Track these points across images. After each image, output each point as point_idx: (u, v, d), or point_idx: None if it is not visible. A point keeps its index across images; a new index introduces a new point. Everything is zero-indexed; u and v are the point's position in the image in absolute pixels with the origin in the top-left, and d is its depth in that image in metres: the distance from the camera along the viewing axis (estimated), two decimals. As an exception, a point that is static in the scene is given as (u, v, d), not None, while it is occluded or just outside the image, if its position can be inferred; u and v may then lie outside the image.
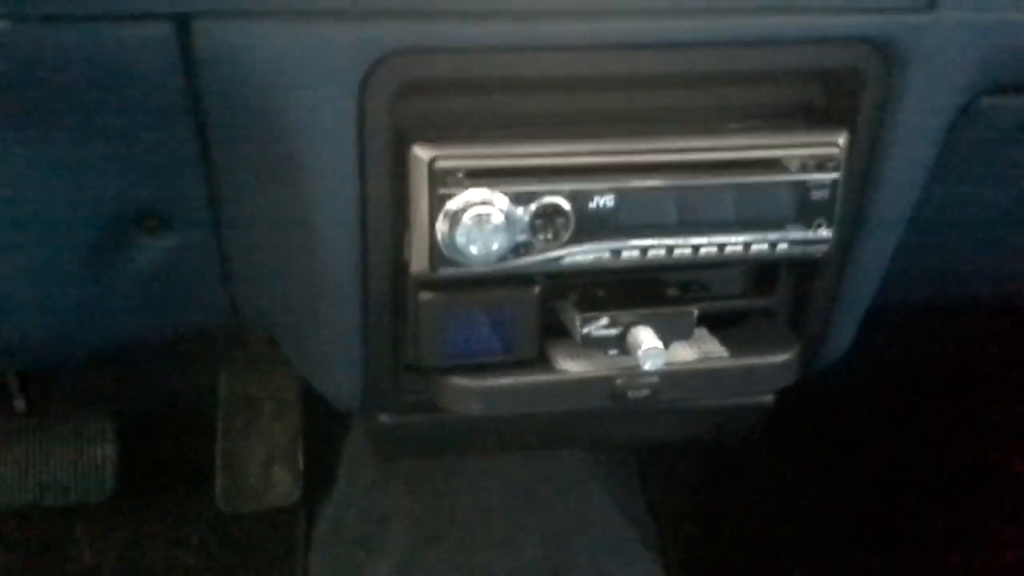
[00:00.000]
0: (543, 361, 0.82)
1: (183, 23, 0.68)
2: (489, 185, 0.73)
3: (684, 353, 0.84)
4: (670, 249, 0.77)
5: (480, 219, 0.73)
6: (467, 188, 0.73)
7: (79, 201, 0.81)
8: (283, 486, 1.54)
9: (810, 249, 0.80)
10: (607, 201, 0.75)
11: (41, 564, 1.51)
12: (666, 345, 0.79)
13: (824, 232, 0.80)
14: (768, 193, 0.77)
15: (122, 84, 0.70)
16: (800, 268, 0.88)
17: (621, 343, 0.80)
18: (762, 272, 0.89)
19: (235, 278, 0.89)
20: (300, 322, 0.87)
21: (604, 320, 0.80)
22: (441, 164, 0.72)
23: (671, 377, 0.82)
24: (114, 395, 1.61)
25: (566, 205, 0.74)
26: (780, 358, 0.86)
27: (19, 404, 1.58)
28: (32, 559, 1.51)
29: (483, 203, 0.73)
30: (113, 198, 0.82)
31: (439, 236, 0.74)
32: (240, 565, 1.52)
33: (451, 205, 0.73)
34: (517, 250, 0.75)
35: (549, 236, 0.75)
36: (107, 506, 1.53)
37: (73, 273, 0.85)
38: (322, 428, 1.55)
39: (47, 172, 0.78)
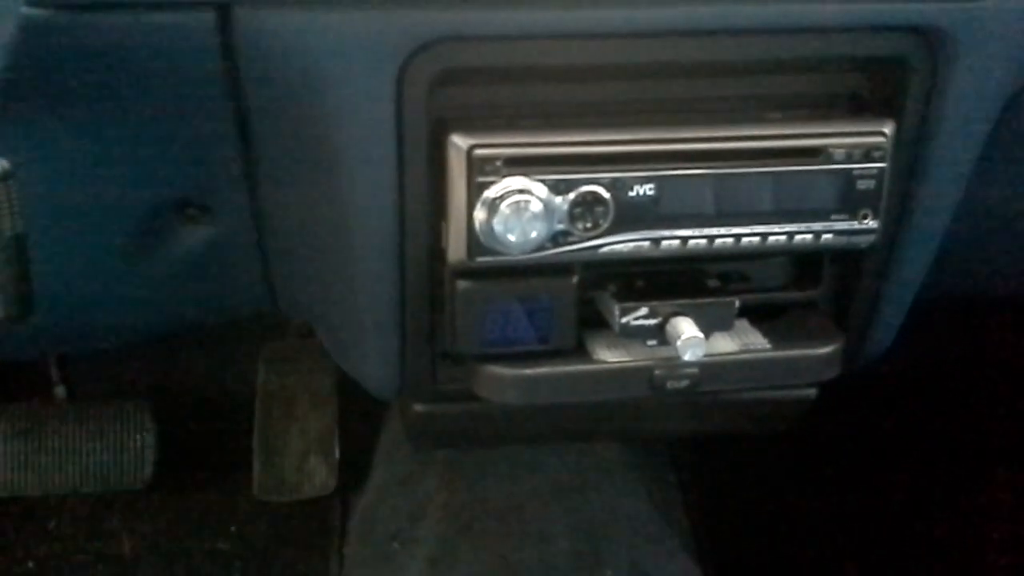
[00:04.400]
0: (581, 351, 0.82)
1: (224, 10, 0.68)
2: (527, 173, 0.72)
3: (725, 344, 0.83)
4: (711, 239, 0.77)
5: (518, 207, 0.72)
6: (505, 176, 0.72)
7: (120, 189, 0.81)
8: (319, 477, 1.54)
9: (855, 240, 0.79)
10: (647, 190, 0.74)
11: (79, 551, 1.52)
12: (706, 336, 0.78)
13: (870, 223, 0.78)
14: (813, 182, 0.76)
15: (162, 72, 0.70)
16: (844, 260, 0.87)
17: (660, 333, 0.79)
18: (805, 264, 0.88)
19: (274, 267, 0.90)
20: (338, 310, 0.87)
21: (643, 310, 0.79)
22: (479, 152, 0.72)
23: (711, 368, 0.81)
24: (153, 385, 1.62)
25: (605, 194, 0.74)
26: (823, 350, 0.84)
27: (59, 392, 1.60)
28: (70, 546, 1.53)
29: (521, 191, 0.72)
30: (154, 186, 0.82)
31: (477, 224, 0.73)
32: (276, 554, 1.53)
33: (489, 193, 0.72)
34: (555, 239, 0.74)
35: (588, 225, 0.74)
36: (145, 494, 1.54)
37: (114, 260, 0.85)
38: (358, 420, 1.55)
39: (88, 160, 0.79)
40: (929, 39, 0.75)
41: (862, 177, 0.77)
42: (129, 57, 0.69)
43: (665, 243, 0.76)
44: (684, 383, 0.81)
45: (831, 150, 0.76)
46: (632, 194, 0.74)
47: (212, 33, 0.68)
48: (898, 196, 0.81)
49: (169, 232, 0.85)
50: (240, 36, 0.69)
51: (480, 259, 0.75)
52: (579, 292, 0.79)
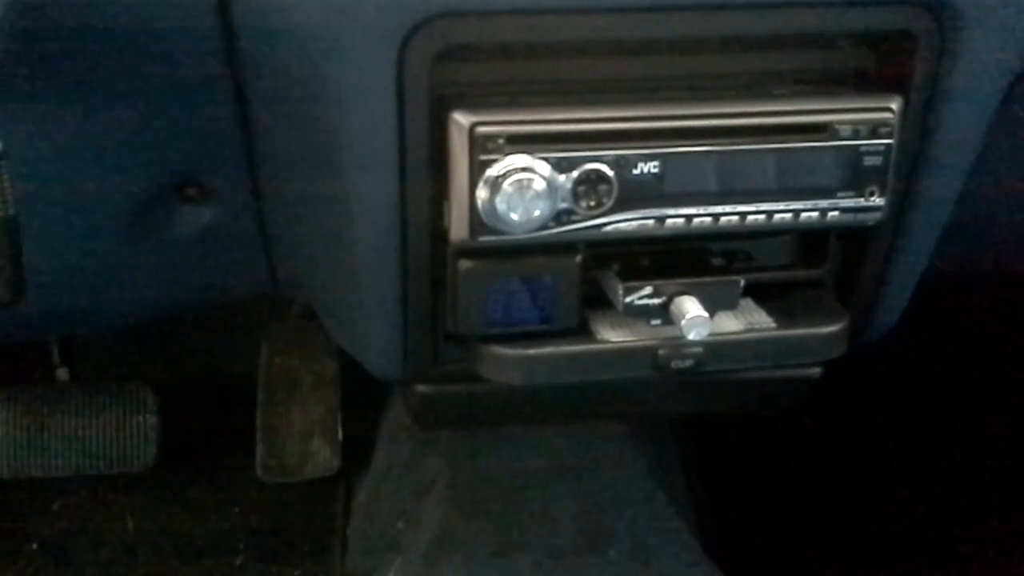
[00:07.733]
0: (584, 331, 0.81)
1: None
2: (530, 151, 0.72)
3: (729, 323, 0.82)
4: (716, 217, 0.76)
5: (521, 186, 0.72)
6: (508, 154, 0.71)
7: (117, 170, 0.81)
8: (322, 457, 1.54)
9: (862, 217, 0.78)
10: (651, 167, 0.73)
11: (83, 532, 1.52)
12: (711, 315, 0.78)
13: (877, 200, 0.77)
14: (819, 159, 0.75)
15: (160, 47, 0.70)
16: (850, 237, 0.86)
17: (664, 313, 0.79)
18: (811, 242, 0.87)
19: (275, 247, 0.89)
20: (339, 291, 0.86)
21: (647, 289, 0.79)
22: (482, 130, 0.71)
23: (716, 347, 0.81)
24: (156, 366, 1.62)
25: (609, 172, 0.73)
26: (829, 329, 0.84)
27: (62, 373, 1.60)
28: (73, 527, 1.53)
29: (524, 170, 0.72)
30: (152, 167, 0.82)
31: (479, 203, 0.72)
32: (279, 535, 1.53)
33: (491, 172, 0.72)
34: (559, 218, 0.74)
35: (591, 203, 0.74)
36: (148, 476, 1.54)
37: (114, 239, 0.85)
38: (361, 400, 1.55)
39: (85, 140, 0.78)
40: (936, 13, 0.74)
41: (869, 154, 0.76)
42: (126, 33, 0.68)
43: (669, 221, 0.75)
44: (688, 362, 0.80)
45: (837, 126, 0.75)
46: (636, 172, 0.73)
47: (210, 6, 0.67)
48: (905, 173, 0.80)
49: (168, 213, 0.85)
50: (238, 10, 0.68)
51: (482, 238, 0.74)
52: (582, 271, 0.79)
